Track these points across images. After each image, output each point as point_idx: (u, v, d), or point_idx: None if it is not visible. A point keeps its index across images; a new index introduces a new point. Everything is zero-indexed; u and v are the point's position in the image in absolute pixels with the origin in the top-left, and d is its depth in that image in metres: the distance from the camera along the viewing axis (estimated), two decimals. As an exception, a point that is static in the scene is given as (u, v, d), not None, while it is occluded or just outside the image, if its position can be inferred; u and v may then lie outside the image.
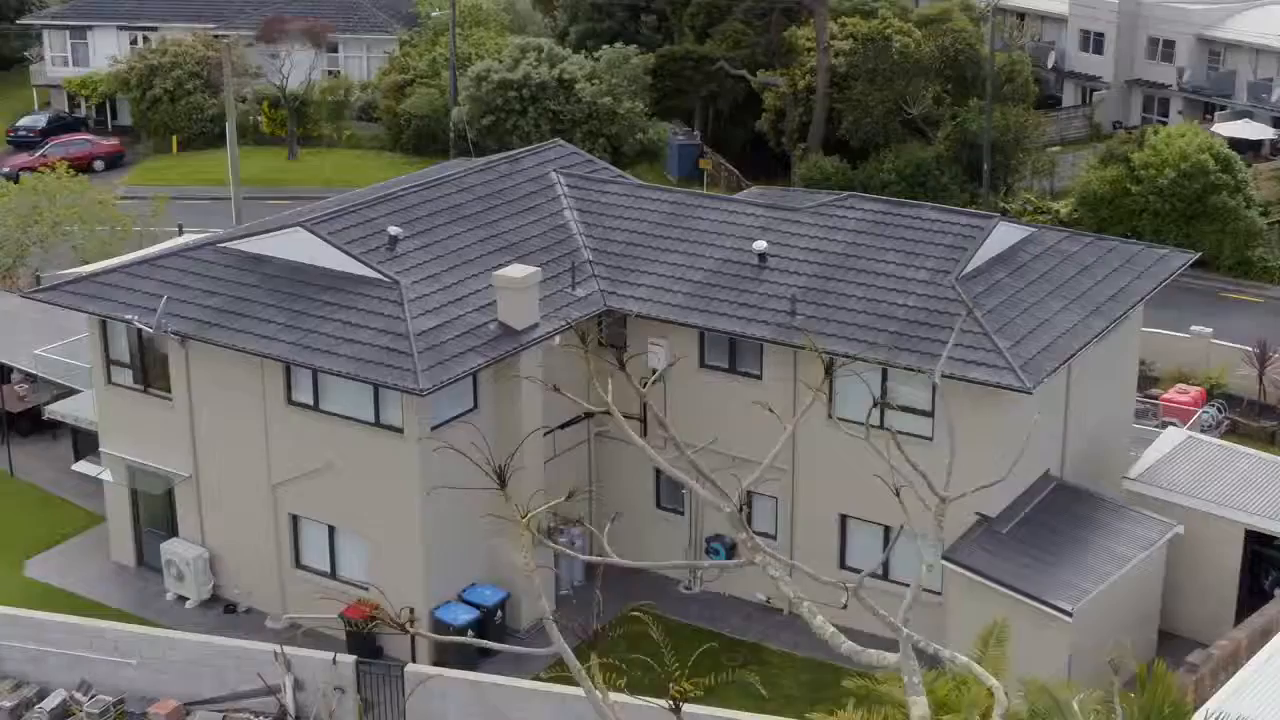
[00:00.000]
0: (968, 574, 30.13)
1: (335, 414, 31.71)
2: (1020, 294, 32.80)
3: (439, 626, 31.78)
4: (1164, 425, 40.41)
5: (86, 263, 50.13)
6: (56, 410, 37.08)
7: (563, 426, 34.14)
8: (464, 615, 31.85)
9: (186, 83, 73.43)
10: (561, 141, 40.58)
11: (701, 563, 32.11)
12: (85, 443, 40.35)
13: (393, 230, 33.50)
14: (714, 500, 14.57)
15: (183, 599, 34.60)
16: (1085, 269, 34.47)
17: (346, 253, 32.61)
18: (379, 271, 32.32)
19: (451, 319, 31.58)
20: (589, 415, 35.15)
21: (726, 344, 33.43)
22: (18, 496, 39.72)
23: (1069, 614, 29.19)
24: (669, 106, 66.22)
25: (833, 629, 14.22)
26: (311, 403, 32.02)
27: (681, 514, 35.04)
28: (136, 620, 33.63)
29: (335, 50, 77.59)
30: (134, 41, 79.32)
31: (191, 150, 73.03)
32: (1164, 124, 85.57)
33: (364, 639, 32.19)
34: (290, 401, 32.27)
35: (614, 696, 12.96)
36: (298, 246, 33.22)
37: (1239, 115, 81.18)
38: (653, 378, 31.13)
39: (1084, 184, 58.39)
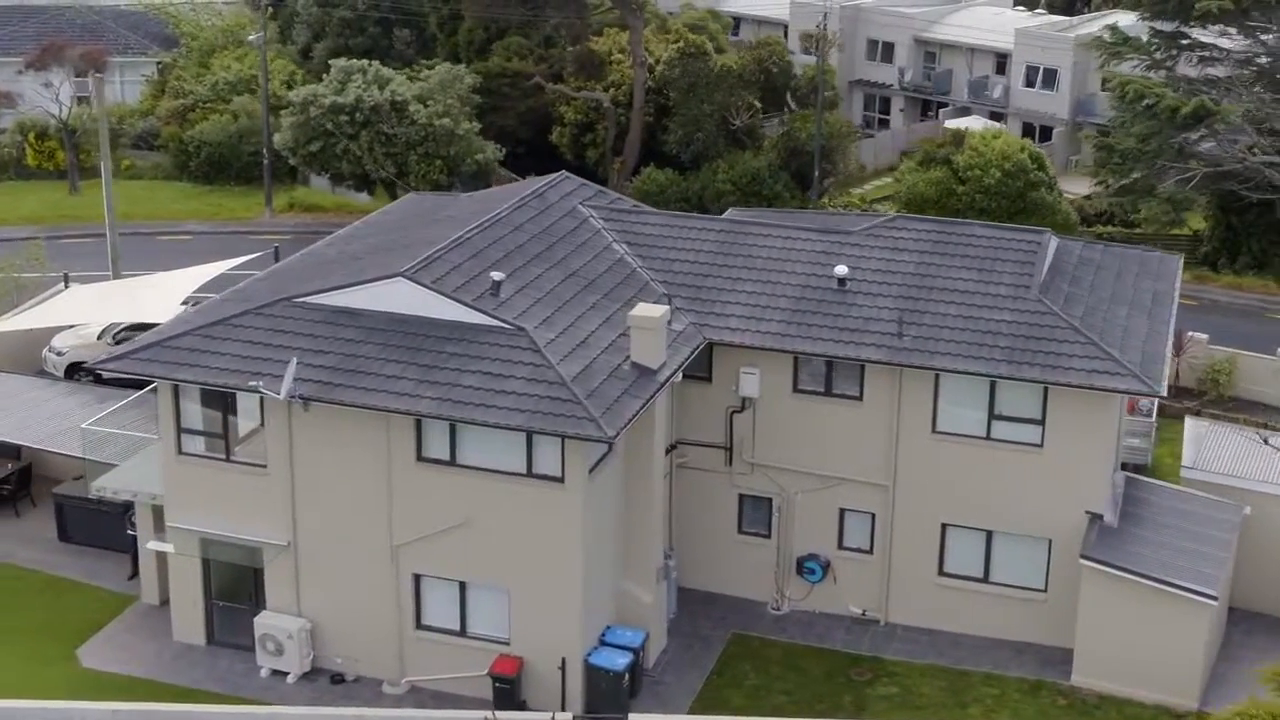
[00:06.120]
0: (1107, 569, 32.06)
1: (477, 468, 30.95)
2: (1091, 303, 34.98)
3: (595, 672, 31.55)
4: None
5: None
6: (105, 486, 34.34)
7: (655, 462, 34.28)
8: (621, 659, 31.68)
9: (-61, 115, 68.23)
10: (568, 174, 40.25)
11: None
12: (74, 519, 37.72)
13: (495, 276, 32.80)
14: None
15: (280, 674, 32.95)
16: (1118, 275, 36.98)
17: (461, 302, 31.77)
18: (498, 319, 31.65)
19: (589, 362, 31.30)
20: (673, 447, 35.47)
21: (822, 368, 34.28)
22: (16, 582, 36.60)
23: (1214, 598, 31.57)
24: (487, 124, 65.80)
25: None
26: (448, 458, 31.11)
27: (767, 537, 35.69)
28: (236, 701, 31.93)
29: (83, 75, 73.16)
30: None
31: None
32: (886, 122, 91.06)
33: (510, 694, 31.62)
34: (420, 459, 31.25)
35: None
36: (397, 298, 32.16)
37: (961, 112, 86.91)
38: None
39: (909, 186, 61.58)
